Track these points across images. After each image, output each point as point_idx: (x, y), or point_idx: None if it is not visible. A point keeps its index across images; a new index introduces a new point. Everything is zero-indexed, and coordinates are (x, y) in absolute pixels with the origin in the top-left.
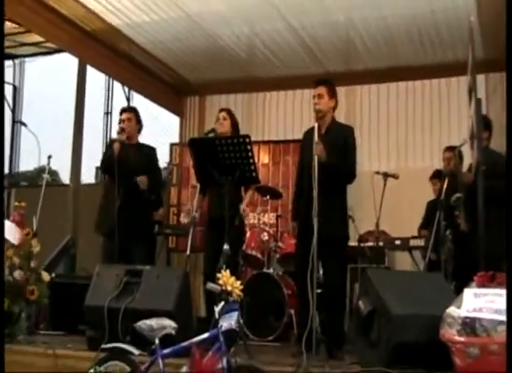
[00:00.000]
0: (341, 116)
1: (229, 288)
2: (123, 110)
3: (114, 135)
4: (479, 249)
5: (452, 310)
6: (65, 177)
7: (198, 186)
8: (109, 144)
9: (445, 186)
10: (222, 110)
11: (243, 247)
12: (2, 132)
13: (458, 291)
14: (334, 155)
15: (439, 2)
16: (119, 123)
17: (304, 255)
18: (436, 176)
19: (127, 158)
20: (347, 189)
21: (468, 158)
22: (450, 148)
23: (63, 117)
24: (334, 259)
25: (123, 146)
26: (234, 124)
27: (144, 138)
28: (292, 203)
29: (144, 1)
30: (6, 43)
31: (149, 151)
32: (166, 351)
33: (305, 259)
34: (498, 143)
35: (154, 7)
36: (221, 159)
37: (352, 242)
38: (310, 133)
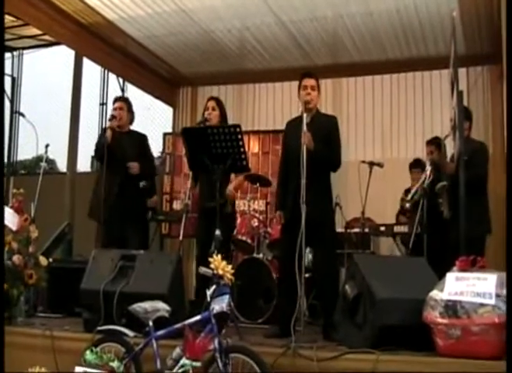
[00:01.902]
0: (328, 108)
1: (220, 272)
2: (115, 100)
3: (107, 123)
4: (460, 235)
5: (435, 293)
6: (62, 166)
7: (191, 174)
8: (102, 132)
9: (427, 175)
10: (210, 99)
11: (234, 233)
12: (2, 123)
13: (441, 275)
14: (318, 144)
15: None
16: (112, 112)
17: (291, 241)
18: (416, 165)
19: (119, 145)
20: (335, 178)
21: (451, 148)
22: (431, 142)
23: (60, 108)
24: (325, 244)
25: (115, 134)
26: (223, 114)
27: (138, 128)
28: (276, 192)
29: None
30: (6, 36)
31: (140, 138)
32: (159, 333)
33: (292, 244)
34: (478, 132)
35: (149, 1)
36: (212, 148)
37: (339, 229)
38: (293, 123)
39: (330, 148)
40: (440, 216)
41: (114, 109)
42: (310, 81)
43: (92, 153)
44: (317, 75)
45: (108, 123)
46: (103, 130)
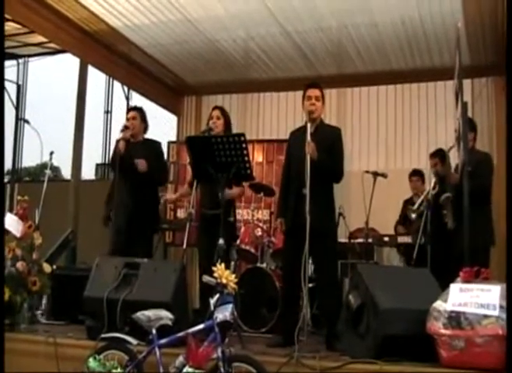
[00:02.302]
0: (332, 118)
1: (224, 281)
2: (129, 109)
3: (116, 133)
4: (464, 246)
5: (438, 304)
6: (67, 173)
7: (194, 182)
8: (117, 143)
9: (431, 186)
10: (215, 108)
11: (238, 242)
12: (2, 129)
13: (444, 286)
14: (322, 154)
15: (427, 10)
16: (124, 122)
17: (294, 250)
18: (415, 173)
19: (133, 155)
20: (338, 188)
21: (455, 159)
22: (434, 154)
23: (65, 115)
24: (327, 254)
25: (128, 144)
26: (227, 122)
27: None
28: (278, 201)
29: (144, 4)
30: (11, 44)
31: (154, 145)
32: (162, 341)
33: (295, 254)
34: (483, 143)
35: (154, 10)
36: (217, 157)
37: (343, 239)
38: (297, 133)
39: (333, 158)
40: (444, 227)
41: (127, 119)
42: (314, 92)
43: (97, 161)
44: (322, 85)
45: (120, 135)
46: (116, 142)
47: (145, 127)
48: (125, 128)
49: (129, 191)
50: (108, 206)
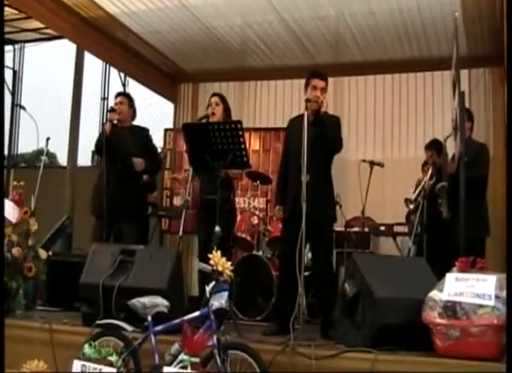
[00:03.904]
0: (329, 107)
1: (220, 268)
2: (117, 94)
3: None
4: (460, 236)
5: (434, 294)
6: (63, 159)
7: (191, 170)
8: (102, 128)
9: (428, 176)
10: (214, 95)
11: (234, 230)
12: (2, 116)
13: (440, 276)
14: (322, 143)
15: None
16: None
17: (292, 238)
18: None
19: (119, 140)
20: (335, 177)
21: (452, 148)
22: (430, 145)
23: (61, 102)
24: (323, 242)
25: (115, 128)
26: (227, 109)
27: (138, 123)
28: (276, 187)
29: None
30: (7, 29)
31: (142, 133)
32: (158, 328)
33: (293, 242)
34: (479, 133)
35: None
36: (213, 144)
37: (339, 228)
38: (296, 120)
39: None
40: (440, 217)
41: (115, 103)
42: (321, 83)
43: (93, 148)
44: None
45: (108, 115)
46: (103, 124)
47: (133, 113)
48: (112, 110)
49: (115, 175)
50: (96, 193)
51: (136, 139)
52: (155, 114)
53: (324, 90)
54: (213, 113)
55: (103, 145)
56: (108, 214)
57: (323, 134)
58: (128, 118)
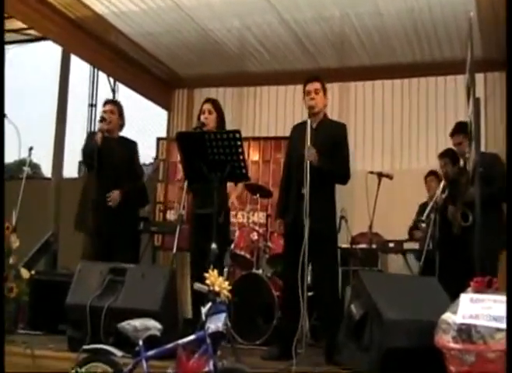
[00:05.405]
0: (334, 114)
1: (216, 289)
2: (106, 102)
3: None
4: (474, 252)
5: (447, 316)
6: (47, 171)
7: (186, 182)
8: (89, 136)
9: (440, 190)
10: (207, 101)
11: (232, 247)
12: (2, 117)
13: (454, 297)
14: (325, 154)
15: None
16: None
17: (294, 255)
18: (433, 173)
19: (109, 150)
20: (340, 189)
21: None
22: (444, 154)
23: (45, 108)
24: (326, 260)
25: (104, 138)
26: (220, 117)
27: (130, 132)
28: (277, 201)
29: None
30: None
31: (130, 146)
32: (150, 353)
33: (295, 259)
34: (497, 143)
35: None
36: (210, 155)
37: (344, 244)
38: (298, 128)
39: (337, 160)
40: (454, 233)
41: (104, 112)
42: (313, 85)
43: (80, 158)
44: (322, 79)
45: (98, 125)
46: (90, 135)
47: (121, 123)
48: (103, 119)
49: (105, 189)
50: (81, 207)
51: (124, 152)
52: (147, 122)
53: (318, 91)
54: (204, 124)
55: (95, 159)
56: (98, 230)
57: (325, 172)
58: (117, 128)
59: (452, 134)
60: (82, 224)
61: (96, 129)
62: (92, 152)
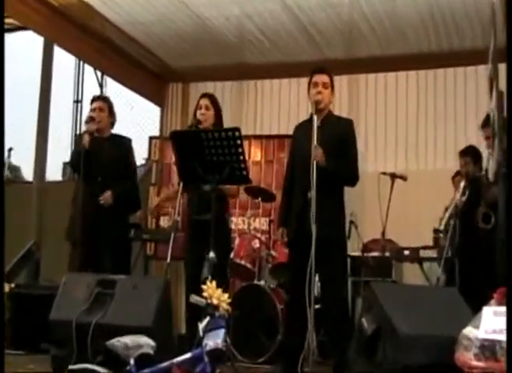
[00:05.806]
0: (342, 110)
1: (215, 302)
2: (94, 99)
3: (84, 127)
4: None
5: (469, 331)
6: (28, 173)
7: (181, 185)
8: (78, 138)
9: (460, 192)
10: (203, 96)
11: (232, 256)
12: (2, 116)
13: (476, 309)
14: (331, 153)
15: None
16: (89, 113)
17: (300, 265)
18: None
19: (99, 152)
20: (350, 192)
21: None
22: (464, 152)
23: (26, 105)
24: (335, 270)
25: (94, 139)
26: (218, 113)
27: (119, 131)
28: (280, 206)
29: None
30: None
31: (124, 144)
32: None
33: (301, 269)
34: None
35: None
36: (207, 155)
37: (355, 252)
38: (302, 127)
39: (343, 160)
40: (476, 238)
41: (93, 110)
42: (321, 78)
43: (65, 159)
44: (330, 72)
45: (85, 127)
46: (79, 136)
47: (112, 120)
48: (91, 120)
49: (93, 194)
50: (73, 219)
51: (116, 152)
52: (138, 120)
53: (325, 85)
54: (200, 121)
55: (81, 162)
56: (86, 239)
57: (333, 174)
58: (108, 126)
59: (483, 126)
60: (74, 234)
61: (83, 130)
62: (79, 156)
